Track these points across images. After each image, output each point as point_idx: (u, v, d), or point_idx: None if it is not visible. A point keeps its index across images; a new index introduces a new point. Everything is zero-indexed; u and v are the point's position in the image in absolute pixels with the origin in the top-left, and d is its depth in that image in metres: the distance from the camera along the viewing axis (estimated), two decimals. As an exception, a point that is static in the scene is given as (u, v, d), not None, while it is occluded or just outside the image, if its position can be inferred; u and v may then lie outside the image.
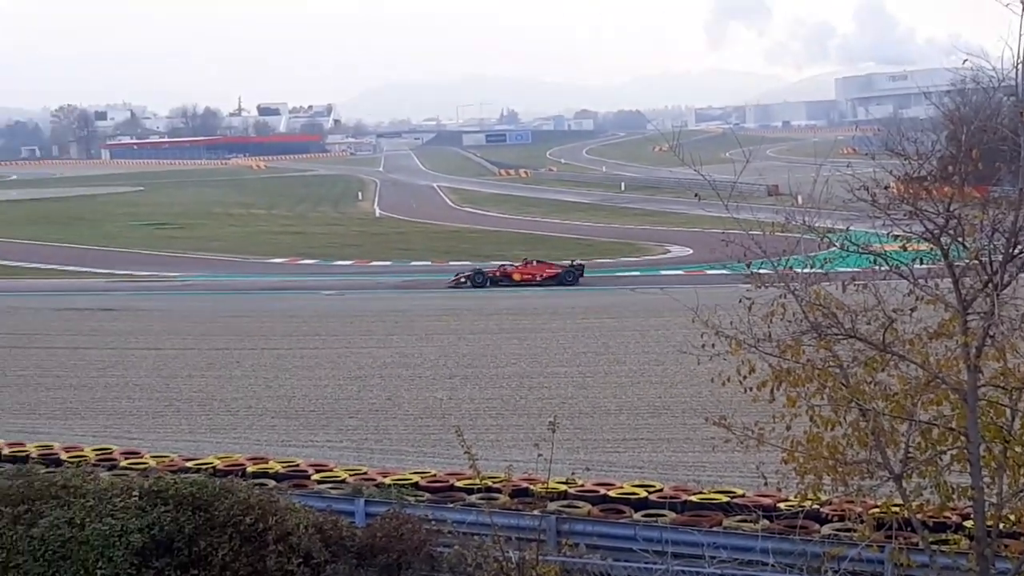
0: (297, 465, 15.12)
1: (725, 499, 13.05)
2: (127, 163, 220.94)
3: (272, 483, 13.22)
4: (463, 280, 45.63)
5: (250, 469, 14.47)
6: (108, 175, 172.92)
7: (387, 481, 13.60)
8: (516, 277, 46.09)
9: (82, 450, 16.07)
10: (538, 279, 45.86)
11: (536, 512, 11.33)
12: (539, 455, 10.19)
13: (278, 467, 14.81)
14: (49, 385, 25.42)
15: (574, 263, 47.46)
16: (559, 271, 46.25)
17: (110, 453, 15.81)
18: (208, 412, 22.18)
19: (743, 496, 13.18)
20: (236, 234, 74.14)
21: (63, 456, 15.37)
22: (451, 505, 12.04)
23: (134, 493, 10.14)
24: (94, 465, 13.98)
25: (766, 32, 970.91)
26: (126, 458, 15.36)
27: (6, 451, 15.81)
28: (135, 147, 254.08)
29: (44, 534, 9.79)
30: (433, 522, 10.64)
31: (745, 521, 11.87)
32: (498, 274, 46.31)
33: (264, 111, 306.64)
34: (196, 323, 36.15)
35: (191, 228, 77.89)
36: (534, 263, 47.08)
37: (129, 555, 9.67)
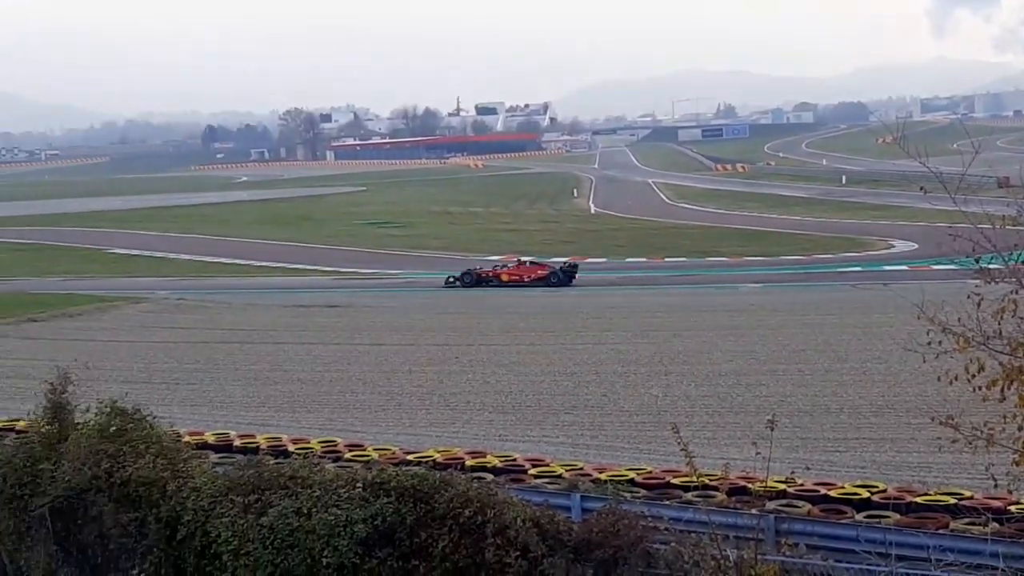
0: (514, 459, 15.25)
1: (952, 501, 12.58)
2: (350, 164, 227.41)
3: (490, 477, 13.36)
4: (453, 281, 46.90)
5: (469, 463, 14.67)
6: (332, 175, 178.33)
7: (603, 477, 13.61)
8: (504, 278, 47.36)
9: (309, 442, 16.55)
10: (526, 280, 46.92)
11: (754, 511, 11.14)
12: (757, 453, 10.04)
13: (496, 461, 14.96)
14: (278, 379, 26.31)
15: (565, 264, 48.14)
16: (547, 272, 47.05)
17: (335, 445, 16.24)
18: (428, 407, 22.58)
19: (971, 498, 12.69)
20: (455, 232, 75.44)
21: (291, 448, 15.85)
22: (667, 502, 11.95)
23: (358, 484, 10.38)
24: (320, 457, 14.37)
25: (993, 18, 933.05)
26: (350, 450, 15.74)
27: (238, 442, 16.39)
28: (358, 148, 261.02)
29: (273, 522, 10.11)
30: (649, 519, 10.58)
31: (973, 524, 11.42)
32: (489, 274, 47.70)
33: (482, 111, 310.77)
34: (416, 319, 36.90)
35: (411, 226, 79.59)
36: (527, 263, 47.97)
37: (353, 544, 9.91)
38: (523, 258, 49.53)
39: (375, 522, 9.99)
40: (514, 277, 47.23)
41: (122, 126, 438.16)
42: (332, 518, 9.99)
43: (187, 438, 14.37)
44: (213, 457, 13.86)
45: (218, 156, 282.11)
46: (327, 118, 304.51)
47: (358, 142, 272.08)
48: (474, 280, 46.91)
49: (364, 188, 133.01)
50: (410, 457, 14.86)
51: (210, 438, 16.51)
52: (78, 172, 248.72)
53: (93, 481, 10.96)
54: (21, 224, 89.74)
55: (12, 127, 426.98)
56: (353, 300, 43.28)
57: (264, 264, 58.05)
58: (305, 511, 10.14)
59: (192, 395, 24.49)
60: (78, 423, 11.69)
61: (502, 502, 10.23)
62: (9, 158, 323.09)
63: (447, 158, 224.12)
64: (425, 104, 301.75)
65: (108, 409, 11.50)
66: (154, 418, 11.70)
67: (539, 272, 47.32)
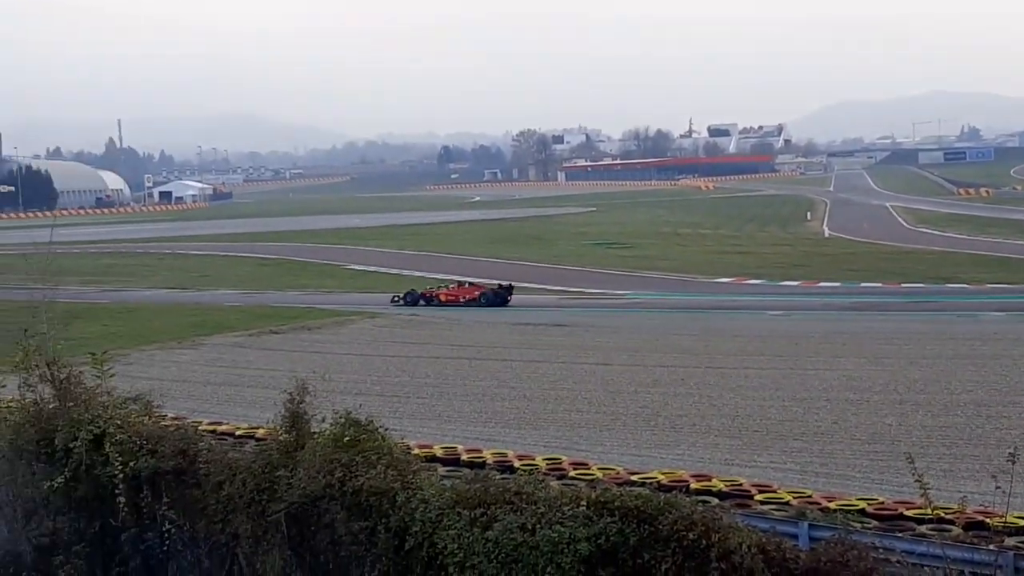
0: (740, 484, 15.02)
1: None
2: (581, 184, 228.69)
3: (715, 501, 13.20)
4: (398, 299, 49.63)
5: (693, 486, 14.52)
6: (563, 196, 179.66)
7: (832, 506, 13.27)
8: (442, 298, 49.70)
9: (534, 458, 16.67)
10: (461, 300, 49.31)
11: (992, 547, 10.67)
12: (996, 487, 9.63)
13: (721, 485, 14.76)
14: (504, 396, 26.61)
15: (501, 286, 50.31)
16: (479, 293, 49.49)
17: (560, 463, 16.31)
18: (653, 428, 22.45)
19: None
20: (683, 253, 74.95)
21: (517, 463, 15.99)
22: (900, 534, 11.56)
23: (582, 503, 10.39)
24: (545, 473, 14.44)
25: None
26: (574, 468, 15.78)
27: (465, 456, 16.64)
28: (588, 169, 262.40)
29: (498, 537, 10.21)
30: (880, 550, 10.24)
31: None
32: (430, 295, 50.03)
33: (714, 132, 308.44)
34: (643, 340, 36.80)
35: (640, 247, 79.46)
36: (467, 285, 50.82)
37: (576, 563, 9.92)
38: (462, 279, 52.13)
39: (598, 541, 9.97)
40: (451, 298, 49.83)
41: (362, 147, 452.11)
42: (556, 535, 10.02)
43: (416, 450, 14.66)
44: (441, 470, 14.12)
45: (453, 176, 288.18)
46: (559, 139, 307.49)
47: (589, 163, 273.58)
48: (416, 299, 49.45)
49: (594, 209, 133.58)
50: (634, 478, 14.81)
51: (438, 451, 16.81)
52: (320, 190, 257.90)
53: (327, 489, 11.28)
54: (266, 240, 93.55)
55: (259, 147, 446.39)
56: (580, 319, 43.48)
57: (493, 282, 58.82)
58: (529, 527, 10.20)
59: (422, 409, 25.00)
60: (314, 432, 12.06)
61: (727, 526, 10.07)
62: (256, 176, 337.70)
63: (678, 179, 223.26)
64: (657, 126, 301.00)
65: (343, 420, 11.83)
66: (386, 430, 11.97)
67: (474, 293, 49.93)
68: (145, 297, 55.54)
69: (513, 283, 51.16)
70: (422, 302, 49.33)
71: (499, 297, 49.20)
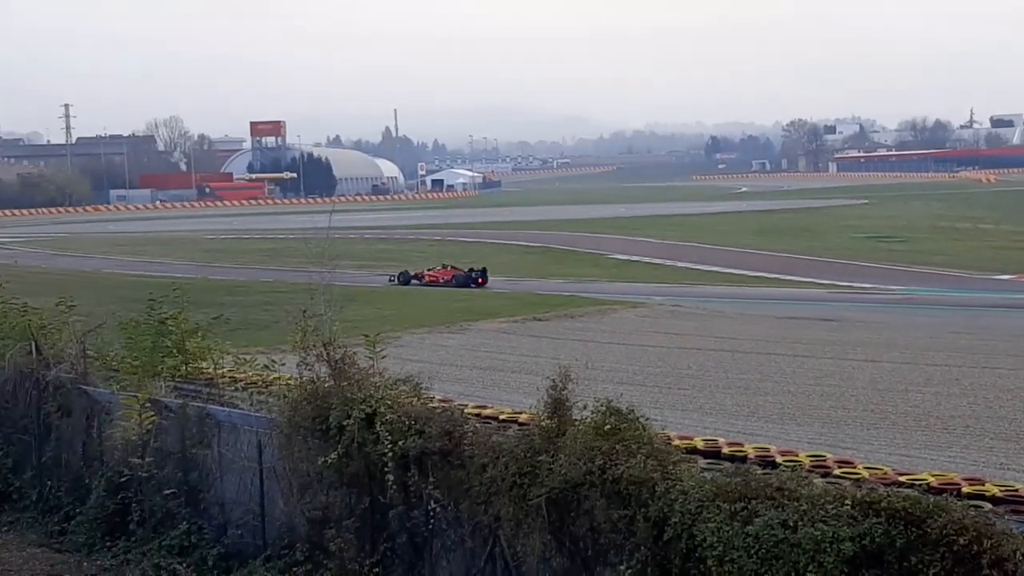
0: (1016, 490, 14.35)
1: None
2: (853, 176, 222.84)
3: (988, 506, 12.66)
4: (392, 279, 56.05)
5: (965, 489, 13.95)
6: (834, 187, 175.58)
7: (1116, 516, 12.54)
8: (427, 279, 55.80)
9: (797, 455, 16.35)
10: (440, 281, 55.09)
11: None
12: None
13: (995, 490, 14.13)
14: (768, 390, 26.22)
15: (472, 269, 55.69)
16: (451, 276, 55.39)
17: (824, 460, 15.95)
18: (924, 428, 21.71)
19: None
20: (960, 248, 72.06)
21: (779, 459, 15.71)
22: None
23: (846, 502, 10.13)
24: (808, 470, 14.16)
25: None
26: (839, 466, 15.40)
27: (726, 449, 16.46)
28: (861, 160, 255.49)
29: (759, 532, 10.07)
30: None
31: None
32: (418, 275, 56.14)
33: (997, 123, 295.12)
34: (916, 338, 35.62)
35: (914, 242, 76.88)
36: (448, 268, 56.84)
37: (839, 563, 9.69)
38: (445, 263, 58.07)
39: (863, 541, 9.72)
40: (433, 279, 55.73)
41: (629, 136, 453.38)
42: (819, 533, 9.82)
43: (677, 441, 14.58)
44: (701, 462, 14.00)
45: (719, 166, 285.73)
46: (831, 129, 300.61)
47: (862, 154, 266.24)
48: (408, 279, 55.73)
49: (866, 201, 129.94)
50: (902, 479, 14.35)
51: (699, 443, 16.70)
52: (586, 180, 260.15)
53: (587, 476, 11.36)
54: (532, 228, 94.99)
55: (529, 136, 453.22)
56: (848, 315, 42.42)
57: (758, 274, 58.06)
58: (791, 524, 10.03)
59: (683, 400, 24.91)
60: (575, 419, 12.15)
61: (1000, 533, 9.64)
62: (524, 165, 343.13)
63: (956, 172, 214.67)
64: (935, 116, 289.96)
65: (604, 408, 11.87)
66: (646, 420, 11.96)
67: (448, 275, 55.75)
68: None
69: (486, 268, 56.21)
70: (414, 282, 55.51)
71: (470, 279, 54.53)
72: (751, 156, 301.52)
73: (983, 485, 14.40)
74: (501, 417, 17.14)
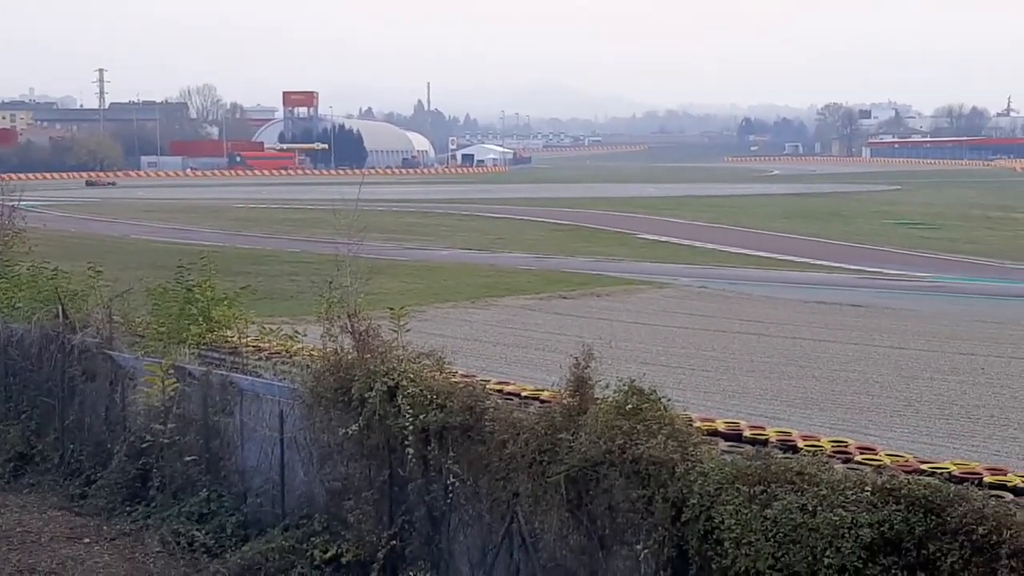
0: (1037, 481, 14.27)
1: None
2: (886, 161, 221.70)
3: (1009, 496, 12.59)
4: None
5: (987, 479, 13.88)
6: (867, 173, 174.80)
7: None
8: None
9: (819, 440, 16.31)
10: None
11: None
12: None
13: (1017, 481, 14.05)
14: (792, 374, 26.15)
15: None
16: None
17: (846, 446, 15.90)
18: (947, 416, 21.62)
19: None
20: (992, 237, 71.47)
21: (800, 443, 15.68)
22: None
23: (866, 488, 10.09)
24: (829, 456, 14.12)
25: None
26: (861, 453, 15.35)
27: (747, 432, 16.43)
28: (895, 146, 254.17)
29: (777, 516, 10.04)
30: None
31: None
32: None
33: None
34: (943, 325, 35.40)
35: (945, 229, 76.30)
36: None
37: (857, 548, 9.66)
38: None
39: (881, 528, 9.68)
40: None
41: (662, 116, 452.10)
42: (837, 519, 9.79)
43: (698, 423, 14.57)
44: (722, 444, 13.99)
45: (752, 148, 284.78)
46: (866, 114, 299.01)
47: (896, 140, 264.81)
48: None
49: (899, 187, 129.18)
50: (924, 467, 14.28)
51: (720, 426, 16.67)
52: (617, 159, 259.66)
53: (607, 455, 11.35)
54: (561, 205, 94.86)
55: (561, 114, 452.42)
56: (876, 301, 42.17)
57: (787, 258, 57.78)
58: (810, 508, 10.00)
59: (706, 382, 24.87)
60: (597, 398, 12.13)
61: (1020, 523, 9.59)
62: (555, 143, 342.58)
63: (992, 160, 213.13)
64: (972, 103, 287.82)
65: (626, 387, 11.84)
66: (668, 400, 11.94)
67: None
68: (443, 256, 57.27)
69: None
70: None
71: None
72: (784, 139, 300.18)
73: (1005, 475, 14.33)
74: (523, 394, 17.16)
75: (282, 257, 53.27)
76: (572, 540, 11.77)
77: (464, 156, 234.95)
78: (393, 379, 13.36)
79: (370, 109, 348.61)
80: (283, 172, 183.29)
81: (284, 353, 18.26)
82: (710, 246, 63.33)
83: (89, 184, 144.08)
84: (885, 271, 52.81)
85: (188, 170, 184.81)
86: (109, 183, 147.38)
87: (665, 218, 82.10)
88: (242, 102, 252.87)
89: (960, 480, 12.74)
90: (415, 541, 13.43)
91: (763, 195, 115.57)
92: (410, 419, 13.01)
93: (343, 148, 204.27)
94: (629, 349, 27.26)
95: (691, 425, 12.60)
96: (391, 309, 15.05)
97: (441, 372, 13.89)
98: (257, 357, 18.14)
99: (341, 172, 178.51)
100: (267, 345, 18.94)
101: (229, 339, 18.65)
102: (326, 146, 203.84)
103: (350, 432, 13.61)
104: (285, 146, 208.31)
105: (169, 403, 16.68)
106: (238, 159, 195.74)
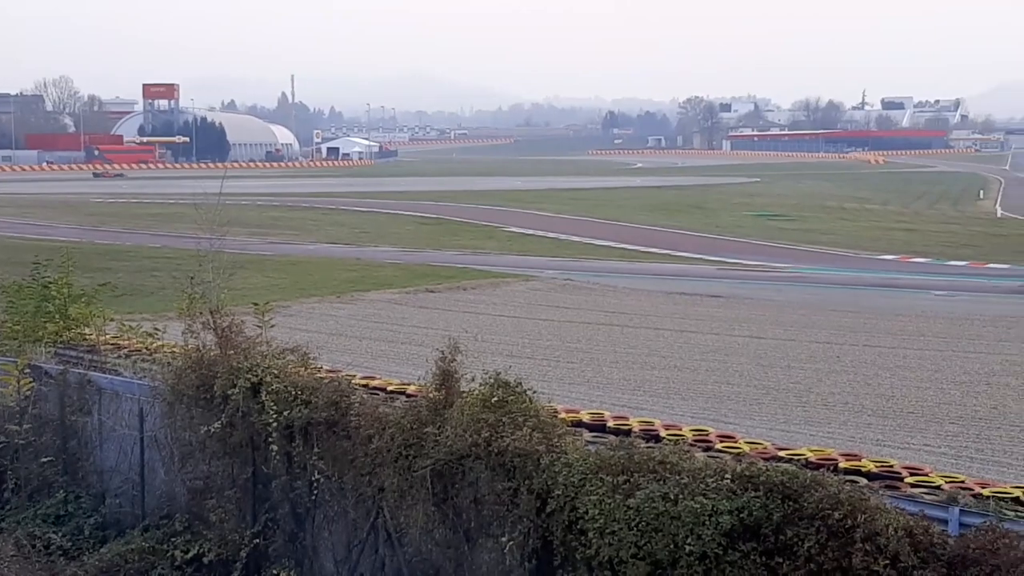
0: (891, 466, 14.66)
1: None
2: (746, 154, 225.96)
3: (863, 481, 12.92)
4: None
5: (842, 465, 14.23)
6: (727, 165, 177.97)
7: (985, 492, 12.90)
8: None
9: (681, 429, 16.53)
10: None
11: None
12: None
13: (871, 466, 14.44)
14: (654, 364, 26.53)
15: None
16: None
17: (707, 434, 16.12)
18: (804, 404, 22.15)
19: None
20: (848, 228, 73.44)
21: (663, 433, 15.86)
22: (1055, 526, 11.17)
23: (726, 475, 10.28)
24: (691, 444, 14.34)
25: None
26: (721, 441, 15.59)
27: (611, 423, 16.57)
28: (755, 139, 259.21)
29: (640, 505, 10.18)
30: (1033, 541, 9.93)
31: None
32: None
33: (888, 105, 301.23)
34: (800, 315, 36.25)
35: (803, 220, 78.14)
36: None
37: (717, 535, 9.84)
38: None
39: (741, 515, 9.88)
40: None
41: (528, 109, 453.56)
42: (698, 506, 9.96)
43: (563, 414, 14.66)
44: (587, 435, 14.11)
45: (616, 142, 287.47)
46: (727, 108, 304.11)
47: (755, 132, 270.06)
48: None
49: (758, 179, 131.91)
50: (782, 453, 14.58)
51: (585, 417, 16.80)
52: (483, 152, 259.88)
53: (472, 448, 11.39)
54: (428, 199, 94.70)
55: (427, 107, 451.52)
56: (736, 291, 42.99)
57: (650, 250, 58.56)
58: (672, 497, 10.16)
59: (570, 374, 25.08)
60: (463, 391, 12.16)
61: (874, 508, 9.88)
62: (421, 135, 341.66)
63: (847, 152, 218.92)
64: (828, 96, 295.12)
65: (492, 380, 11.89)
66: (533, 392, 12.02)
67: None
68: (308, 251, 56.74)
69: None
70: None
71: None
72: (647, 132, 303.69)
73: (859, 460, 14.72)
74: (389, 388, 17.07)
75: (143, 253, 52.22)
76: (438, 534, 11.79)
77: (329, 149, 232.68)
78: (257, 375, 13.23)
79: (233, 102, 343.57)
80: (144, 166, 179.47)
81: (144, 350, 17.90)
82: (575, 239, 63.86)
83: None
84: (745, 262, 53.86)
85: (44, 164, 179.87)
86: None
87: (531, 211, 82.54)
88: (101, 95, 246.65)
89: (816, 466, 13.05)
90: (279, 539, 13.33)
91: (627, 188, 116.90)
92: (274, 416, 12.90)
93: (205, 141, 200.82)
94: (495, 342, 27.35)
95: (556, 417, 12.70)
96: (255, 305, 14.90)
97: (306, 368, 13.79)
98: (116, 355, 17.74)
99: (203, 165, 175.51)
100: (127, 342, 18.55)
101: (87, 337, 18.25)
102: (187, 139, 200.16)
103: (212, 430, 13.44)
104: (145, 139, 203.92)
105: (25, 403, 16.26)
106: (96, 153, 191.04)
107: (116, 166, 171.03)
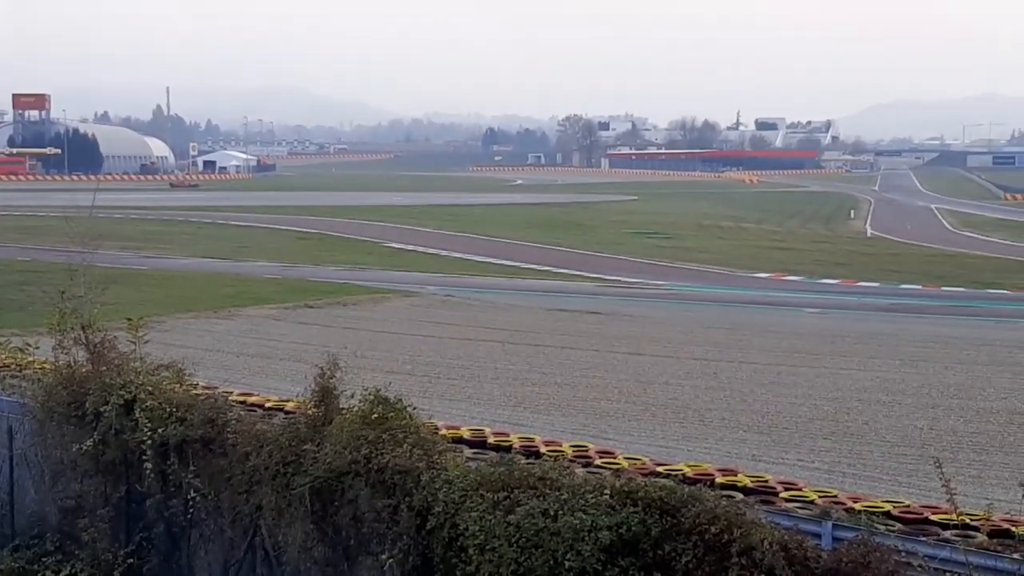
0: (766, 481, 14.89)
1: None
2: (624, 172, 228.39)
3: (739, 496, 13.11)
4: None
5: (719, 480, 14.41)
6: (606, 183, 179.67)
7: (857, 507, 13.17)
8: None
9: (560, 445, 16.59)
10: None
11: (1016, 555, 10.57)
12: (1024, 496, 9.55)
13: (747, 481, 14.65)
14: (535, 381, 26.61)
15: None
16: None
17: (586, 450, 16.21)
18: (682, 420, 22.40)
19: None
20: (724, 246, 74.67)
21: (543, 449, 15.90)
22: (923, 538, 11.46)
23: (606, 491, 10.34)
24: (571, 460, 14.40)
25: None
26: (600, 457, 15.68)
27: (492, 439, 16.58)
28: (633, 157, 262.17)
29: (520, 521, 10.18)
30: (903, 554, 10.16)
31: None
32: None
33: (762, 125, 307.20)
34: (677, 332, 36.71)
35: (680, 239, 79.23)
36: None
37: (597, 551, 9.89)
38: None
39: (620, 530, 9.94)
40: None
41: (407, 125, 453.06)
42: (578, 522, 9.99)
43: (444, 431, 14.64)
44: (467, 452, 14.09)
45: (496, 158, 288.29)
46: (605, 126, 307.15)
47: (633, 151, 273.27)
48: None
49: (636, 197, 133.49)
50: (660, 469, 14.72)
51: (465, 433, 16.78)
52: (363, 167, 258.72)
53: (352, 465, 11.29)
54: (306, 214, 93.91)
55: (305, 120, 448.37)
56: (615, 308, 43.38)
57: (531, 267, 58.84)
58: (552, 513, 10.18)
59: (451, 390, 25.04)
60: (343, 408, 12.06)
61: (750, 522, 10.01)
62: (300, 149, 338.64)
63: (722, 172, 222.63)
64: (704, 116, 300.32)
65: (372, 397, 11.81)
66: (414, 409, 11.96)
67: None
68: (184, 265, 55.86)
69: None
70: None
71: None
72: (527, 149, 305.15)
73: (736, 476, 14.92)
74: (267, 405, 16.86)
75: (12, 267, 50.84)
76: (317, 552, 11.66)
77: (206, 162, 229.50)
78: (130, 392, 12.96)
79: (106, 113, 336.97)
80: (13, 178, 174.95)
81: (14, 366, 17.38)
82: (456, 255, 63.91)
83: None
84: (623, 279, 54.42)
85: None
86: None
87: (411, 227, 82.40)
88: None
89: (694, 481, 13.20)
90: (154, 558, 13.06)
91: (507, 204, 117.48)
92: (148, 433, 12.63)
93: (78, 153, 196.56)
94: (376, 358, 27.17)
95: (437, 433, 12.68)
96: (128, 320, 14.57)
97: (181, 384, 13.55)
98: (-17, 371, 17.23)
99: (76, 178, 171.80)
100: (-6, 358, 18.02)
101: (-47, 353, 17.68)
102: (59, 151, 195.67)
103: (84, 448, 13.12)
104: (15, 151, 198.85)
105: None
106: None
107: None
